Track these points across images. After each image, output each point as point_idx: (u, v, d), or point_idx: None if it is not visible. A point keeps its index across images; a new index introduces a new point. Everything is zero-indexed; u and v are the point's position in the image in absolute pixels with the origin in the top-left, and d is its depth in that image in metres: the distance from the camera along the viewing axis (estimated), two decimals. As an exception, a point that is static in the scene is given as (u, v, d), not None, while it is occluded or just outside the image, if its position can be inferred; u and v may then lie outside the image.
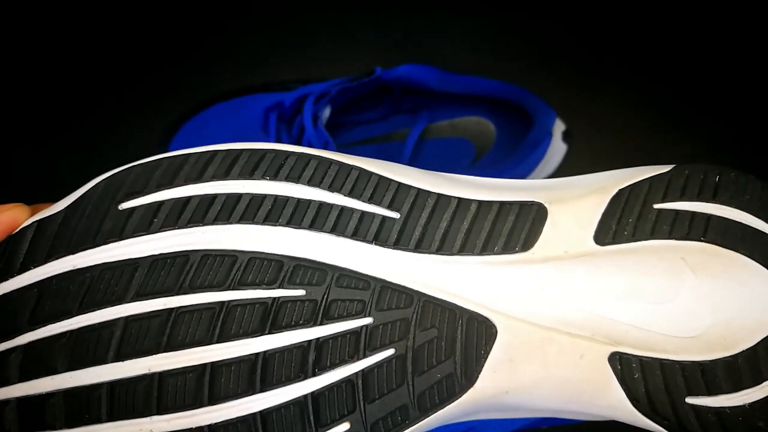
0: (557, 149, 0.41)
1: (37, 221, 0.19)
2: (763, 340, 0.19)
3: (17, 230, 0.19)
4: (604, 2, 0.49)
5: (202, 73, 0.49)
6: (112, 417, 0.18)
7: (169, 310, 0.18)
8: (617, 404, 0.19)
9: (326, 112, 0.40)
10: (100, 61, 0.49)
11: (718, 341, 0.19)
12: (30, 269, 0.18)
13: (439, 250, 0.19)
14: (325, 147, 0.38)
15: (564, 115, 0.42)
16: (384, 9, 0.50)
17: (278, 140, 0.42)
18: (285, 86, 0.44)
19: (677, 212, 0.20)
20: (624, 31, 0.49)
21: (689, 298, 0.19)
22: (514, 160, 0.39)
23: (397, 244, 0.19)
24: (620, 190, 0.20)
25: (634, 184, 0.20)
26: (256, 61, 0.49)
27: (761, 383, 0.19)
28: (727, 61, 0.49)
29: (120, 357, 0.18)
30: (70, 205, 0.19)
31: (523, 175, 0.39)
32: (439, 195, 0.19)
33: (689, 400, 0.19)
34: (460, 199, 0.19)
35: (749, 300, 0.20)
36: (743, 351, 0.19)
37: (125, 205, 0.19)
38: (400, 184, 0.19)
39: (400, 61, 0.41)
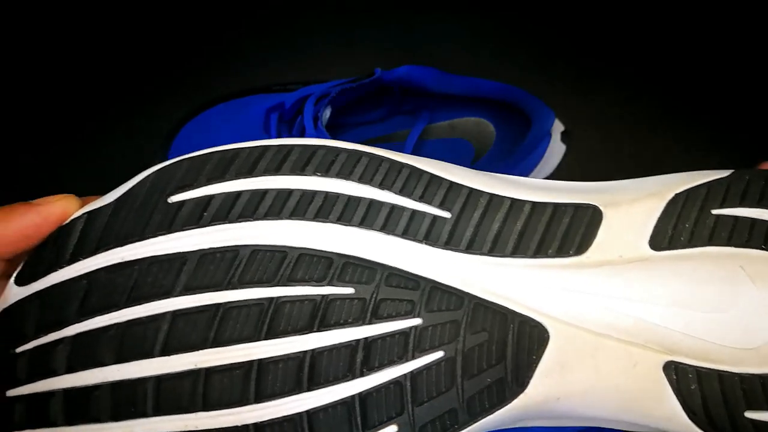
0: (556, 150, 0.42)
1: (87, 213, 0.19)
2: None
3: (68, 221, 0.19)
4: (603, 3, 0.49)
5: (204, 74, 0.49)
6: (158, 411, 0.18)
7: (217, 305, 0.18)
8: (672, 416, 0.18)
9: (327, 113, 0.40)
10: (102, 62, 0.49)
11: None
12: (79, 260, 0.18)
13: (491, 252, 0.19)
14: None
15: (563, 116, 0.43)
16: (384, 10, 0.50)
17: None
18: (286, 87, 0.44)
19: (737, 218, 0.19)
20: (623, 32, 0.49)
21: (748, 308, 0.19)
22: (513, 160, 0.40)
23: (448, 244, 0.18)
24: (677, 194, 0.20)
25: (691, 188, 0.20)
26: (257, 62, 0.49)
27: None
28: (727, 60, 0.49)
29: (167, 351, 0.18)
30: (119, 197, 0.19)
31: (521, 176, 0.39)
32: (492, 195, 0.19)
33: (748, 414, 0.18)
34: (513, 199, 0.19)
35: None
36: None
37: (175, 199, 0.18)
38: (452, 183, 0.19)
39: (400, 62, 0.41)
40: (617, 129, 0.48)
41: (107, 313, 0.18)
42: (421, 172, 0.19)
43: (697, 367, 0.18)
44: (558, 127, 0.42)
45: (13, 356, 0.19)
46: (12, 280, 0.19)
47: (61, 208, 0.19)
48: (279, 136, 0.42)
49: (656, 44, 0.49)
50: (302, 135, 0.40)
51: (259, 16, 0.50)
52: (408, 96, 0.43)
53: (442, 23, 0.51)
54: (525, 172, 0.40)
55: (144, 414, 0.18)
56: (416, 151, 0.44)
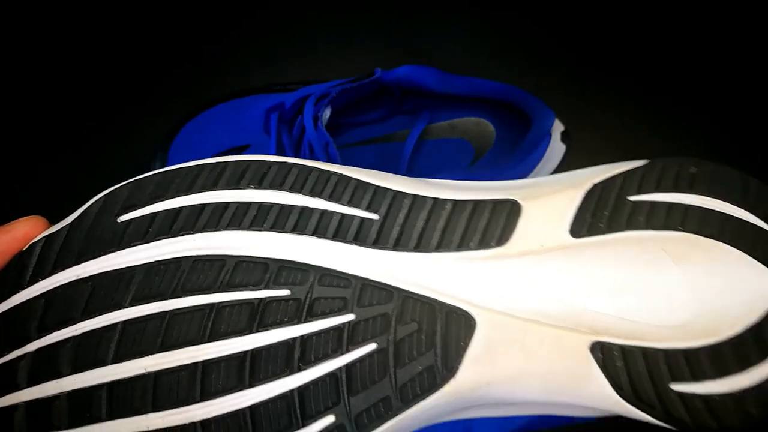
0: (556, 149, 0.41)
1: (44, 237, 0.20)
2: (749, 326, 0.19)
3: (27, 246, 0.21)
4: (603, 3, 0.49)
5: (204, 74, 0.49)
6: (111, 415, 0.19)
7: (164, 313, 0.19)
8: (601, 393, 0.19)
9: (327, 113, 0.40)
10: (102, 63, 0.49)
11: (702, 329, 0.19)
12: (38, 281, 0.20)
13: (417, 248, 0.20)
14: (325, 148, 0.38)
15: (563, 116, 0.42)
16: (384, 10, 0.50)
17: (279, 141, 0.42)
18: (286, 87, 0.44)
19: (653, 203, 0.20)
20: (623, 32, 0.49)
21: (671, 288, 0.20)
22: (514, 160, 0.39)
23: (376, 244, 0.20)
24: (594, 184, 0.21)
25: (607, 178, 0.21)
26: (257, 62, 0.49)
27: (748, 369, 0.19)
28: (727, 61, 0.49)
29: (118, 358, 0.19)
30: (73, 220, 0.20)
31: (522, 176, 0.39)
32: (415, 196, 0.20)
33: (674, 386, 0.19)
34: (435, 199, 0.20)
35: (733, 288, 0.20)
36: (729, 338, 0.19)
37: (123, 218, 0.20)
38: (377, 187, 0.20)
39: (400, 62, 0.41)
40: (617, 129, 0.48)
41: (64, 327, 0.20)
42: (349, 179, 0.20)
43: (623, 345, 0.19)
44: (558, 127, 0.42)
45: (-22, 375, 0.20)
46: None
47: (28, 227, 0.20)
48: (279, 136, 0.42)
49: (656, 44, 0.49)
50: (302, 135, 0.41)
51: (259, 16, 0.50)
52: (408, 96, 0.43)
53: (442, 23, 0.51)
54: (525, 172, 0.40)
55: (99, 419, 0.19)
56: (416, 151, 0.44)
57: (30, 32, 0.50)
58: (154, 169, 0.21)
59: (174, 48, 0.50)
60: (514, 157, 0.39)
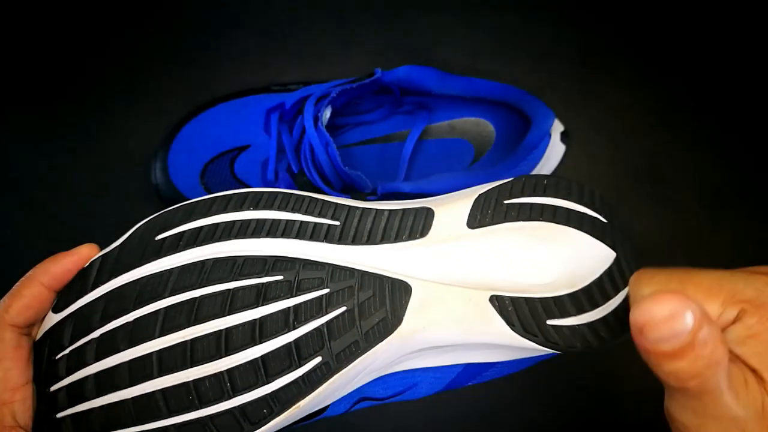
0: (556, 150, 0.42)
1: (102, 255, 0.28)
2: (594, 280, 0.28)
3: (88, 263, 0.28)
4: (602, 4, 0.49)
5: (204, 74, 0.49)
6: (161, 373, 0.26)
7: (194, 299, 0.27)
8: (500, 330, 0.27)
9: (327, 113, 0.40)
10: (103, 62, 0.50)
11: (564, 283, 0.28)
12: (99, 287, 0.28)
13: (368, 242, 0.29)
14: (326, 147, 0.39)
15: (562, 116, 0.43)
16: (384, 11, 0.50)
17: (279, 141, 0.42)
18: (286, 87, 0.45)
19: (521, 204, 0.30)
20: (622, 33, 0.50)
21: (541, 258, 0.28)
22: (513, 160, 0.40)
23: (340, 240, 0.29)
24: (480, 194, 0.30)
25: (488, 190, 0.30)
26: (257, 63, 0.49)
27: (597, 308, 0.28)
28: (727, 62, 0.49)
29: (163, 332, 0.27)
30: (122, 242, 0.28)
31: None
32: (363, 208, 0.30)
33: (549, 321, 0.27)
34: (377, 209, 0.30)
35: (581, 256, 0.29)
36: (582, 288, 0.28)
37: (160, 237, 0.28)
38: (337, 204, 0.30)
39: (400, 62, 0.42)
40: (617, 129, 0.48)
41: (120, 316, 0.27)
42: (317, 200, 0.30)
43: (511, 296, 0.28)
44: (558, 127, 0.42)
45: (53, 362, 0.27)
46: (50, 310, 0.28)
47: (87, 249, 0.28)
48: (279, 136, 0.42)
49: (656, 45, 0.49)
50: (302, 135, 0.41)
51: (259, 16, 0.50)
52: (408, 96, 0.43)
53: (442, 23, 0.50)
54: (525, 172, 0.40)
55: (151, 376, 0.26)
56: (416, 151, 0.45)
57: (29, 31, 0.50)
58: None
59: (174, 48, 0.50)
60: (514, 156, 0.40)
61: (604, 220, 0.30)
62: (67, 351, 0.27)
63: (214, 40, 0.50)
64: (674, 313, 0.19)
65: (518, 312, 0.28)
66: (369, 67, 0.42)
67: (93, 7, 0.49)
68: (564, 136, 0.43)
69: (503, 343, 0.28)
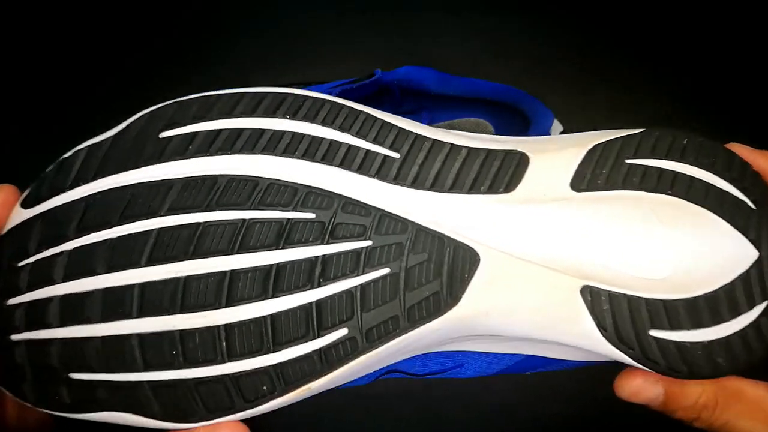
0: None
1: (88, 145, 0.22)
2: (723, 286, 0.21)
3: (70, 153, 0.22)
4: (602, 4, 0.49)
5: (205, 75, 0.49)
6: (141, 313, 0.20)
7: (197, 224, 0.21)
8: (587, 332, 0.21)
9: None
10: (103, 61, 0.49)
11: (681, 284, 0.21)
12: (80, 185, 0.22)
13: (432, 187, 0.22)
14: None
15: (562, 117, 0.40)
16: (383, 11, 0.50)
17: None
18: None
19: (647, 167, 0.23)
20: (622, 33, 0.49)
21: (656, 245, 0.22)
22: None
23: (395, 180, 0.22)
24: (595, 145, 0.23)
25: (608, 141, 0.23)
26: (257, 63, 0.49)
27: (720, 324, 0.21)
28: (727, 62, 0.48)
29: (151, 262, 0.21)
30: (117, 132, 0.22)
31: None
32: (435, 140, 0.22)
33: (652, 332, 0.21)
34: (452, 145, 0.22)
35: (713, 250, 0.22)
36: (704, 294, 0.21)
37: (165, 134, 0.22)
38: (401, 129, 0.22)
39: (400, 62, 0.41)
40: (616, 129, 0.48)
41: (102, 230, 0.21)
42: (375, 119, 0.22)
43: (610, 291, 0.21)
44: (557, 127, 0.40)
45: (15, 269, 0.22)
46: (18, 204, 0.22)
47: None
48: None
49: (656, 45, 0.49)
50: None
51: (259, 17, 0.50)
52: (408, 96, 0.42)
53: (442, 23, 0.50)
54: None
55: (129, 315, 0.20)
56: None
57: (29, 31, 0.49)
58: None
59: (174, 48, 0.50)
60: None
61: (752, 206, 0.23)
62: (32, 259, 0.21)
63: (216, 41, 0.50)
64: (640, 389, 0.23)
65: (615, 313, 0.21)
66: (369, 67, 0.41)
67: (93, 7, 0.49)
68: (564, 137, 0.38)
69: (585, 347, 0.22)
